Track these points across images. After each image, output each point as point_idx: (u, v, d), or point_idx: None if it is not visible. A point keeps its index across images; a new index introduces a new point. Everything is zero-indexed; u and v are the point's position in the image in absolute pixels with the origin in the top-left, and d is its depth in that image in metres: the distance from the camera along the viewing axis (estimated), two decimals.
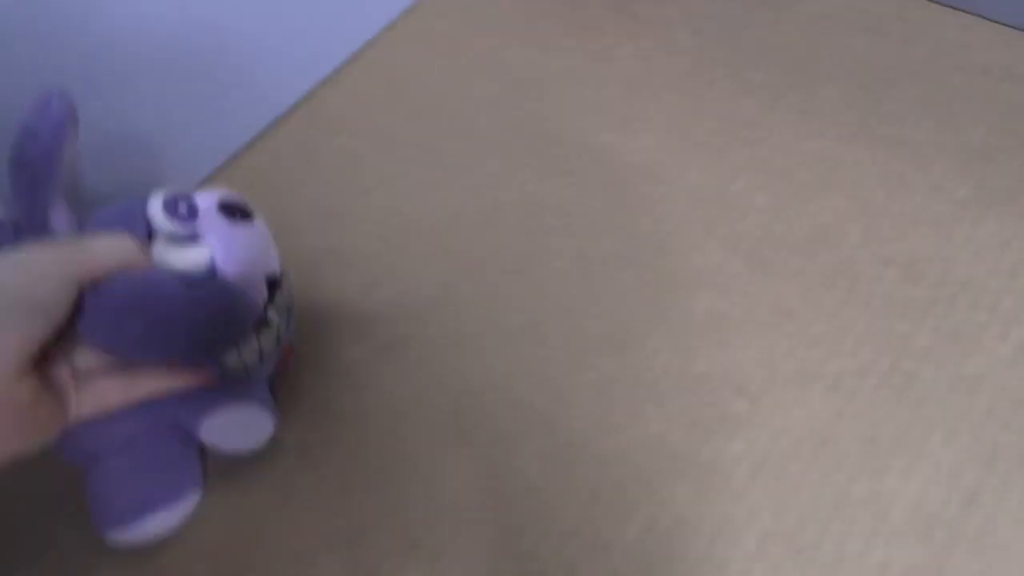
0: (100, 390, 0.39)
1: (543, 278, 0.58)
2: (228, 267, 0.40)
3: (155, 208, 0.39)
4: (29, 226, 0.38)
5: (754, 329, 0.54)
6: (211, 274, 0.40)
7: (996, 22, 0.74)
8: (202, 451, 0.46)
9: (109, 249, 0.36)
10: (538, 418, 0.51)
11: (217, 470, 0.47)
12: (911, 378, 0.51)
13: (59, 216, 0.39)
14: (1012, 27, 0.73)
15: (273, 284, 0.44)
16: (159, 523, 0.44)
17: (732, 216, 0.61)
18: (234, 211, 0.43)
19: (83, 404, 0.39)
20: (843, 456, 0.48)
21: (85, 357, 0.39)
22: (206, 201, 0.42)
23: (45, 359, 0.36)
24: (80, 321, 0.36)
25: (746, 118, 0.68)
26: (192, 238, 0.40)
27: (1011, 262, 0.56)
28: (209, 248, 0.40)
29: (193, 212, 0.40)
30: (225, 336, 0.41)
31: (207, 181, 0.63)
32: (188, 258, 0.39)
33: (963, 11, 0.75)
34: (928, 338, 0.53)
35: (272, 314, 0.44)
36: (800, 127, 0.67)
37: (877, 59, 0.71)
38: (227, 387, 0.44)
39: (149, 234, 0.40)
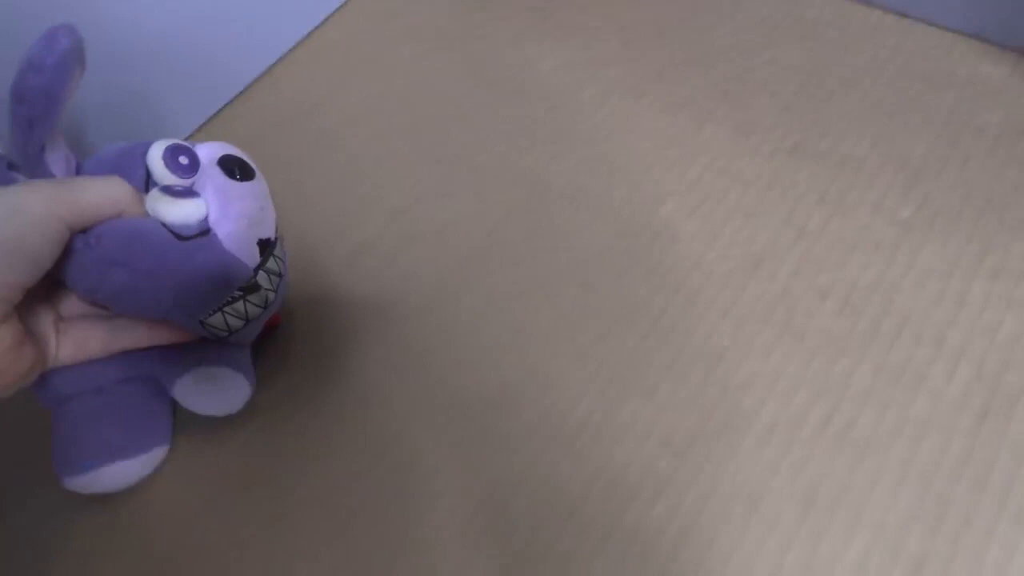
0: (81, 338, 0.40)
1: (457, 315, 0.53)
2: (221, 226, 0.39)
3: (155, 156, 0.39)
4: (23, 163, 0.37)
5: (682, 373, 0.49)
6: (203, 230, 0.39)
7: (938, 26, 0.70)
8: (175, 409, 0.46)
9: (102, 194, 0.36)
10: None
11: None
12: (850, 425, 0.46)
13: (56, 155, 0.38)
14: (954, 31, 0.69)
15: (266, 248, 0.43)
16: (118, 473, 0.43)
17: (660, 245, 0.56)
18: (234, 167, 0.41)
19: (63, 350, 0.39)
20: (777, 518, 0.43)
21: (70, 303, 0.40)
22: (207, 154, 0.41)
23: (28, 303, 0.36)
24: (65, 266, 0.36)
25: (675, 135, 0.63)
26: (188, 192, 0.39)
27: (957, 290, 0.51)
28: (204, 203, 0.39)
29: (193, 165, 0.40)
30: (211, 296, 0.40)
31: None
32: (181, 211, 0.38)
33: (905, 15, 0.71)
34: (869, 379, 0.48)
35: (262, 279, 0.42)
36: (733, 144, 0.62)
37: (814, 68, 0.67)
38: (207, 348, 0.43)
39: (147, 180, 0.39)
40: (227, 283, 0.40)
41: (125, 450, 0.43)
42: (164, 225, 0.37)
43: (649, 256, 0.55)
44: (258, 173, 0.43)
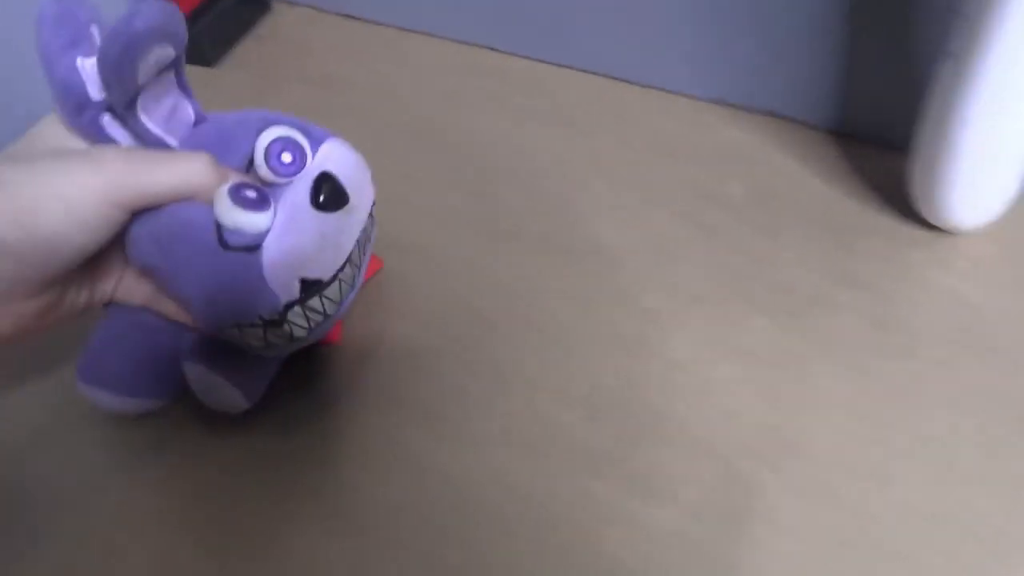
0: (133, 286, 0.43)
1: None
2: (272, 251, 0.37)
3: (262, 143, 0.38)
4: (118, 110, 0.37)
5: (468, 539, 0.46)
6: (254, 245, 0.37)
7: (684, 95, 0.70)
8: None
9: (177, 176, 0.36)
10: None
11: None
12: (601, 540, 0.43)
13: (160, 108, 0.39)
14: (700, 98, 0.69)
15: (311, 287, 0.40)
16: (104, 400, 0.43)
17: (402, 368, 0.53)
18: (322, 191, 0.38)
19: (120, 290, 0.43)
20: None
21: None
22: (322, 158, 0.40)
23: None
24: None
25: (416, 243, 0.61)
26: (257, 202, 0.36)
27: (701, 378, 0.49)
28: (268, 218, 0.37)
29: (297, 166, 0.38)
30: (227, 313, 0.39)
31: None
32: (237, 220, 0.36)
33: (649, 87, 0.71)
34: (616, 492, 0.46)
35: (294, 315, 0.40)
36: (478, 246, 0.60)
37: (562, 154, 0.66)
38: (222, 348, 0.42)
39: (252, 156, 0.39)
40: (249, 308, 0.38)
41: (114, 386, 0.43)
42: (218, 224, 0.36)
43: (393, 386, 0.52)
44: (353, 204, 0.40)
